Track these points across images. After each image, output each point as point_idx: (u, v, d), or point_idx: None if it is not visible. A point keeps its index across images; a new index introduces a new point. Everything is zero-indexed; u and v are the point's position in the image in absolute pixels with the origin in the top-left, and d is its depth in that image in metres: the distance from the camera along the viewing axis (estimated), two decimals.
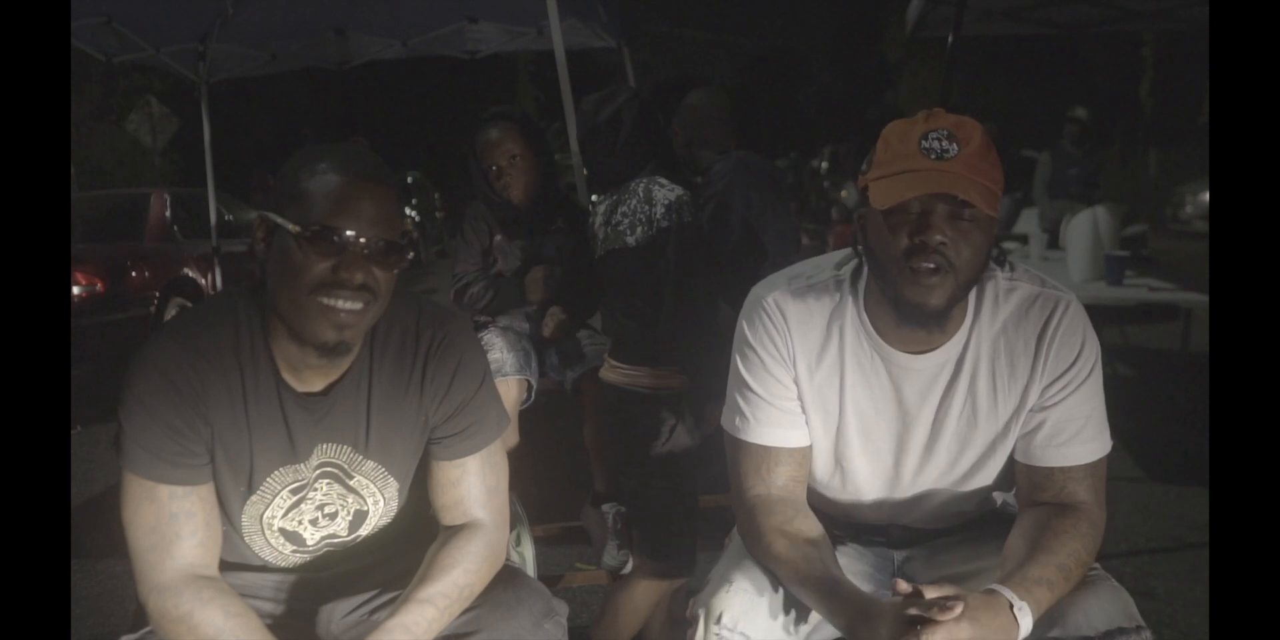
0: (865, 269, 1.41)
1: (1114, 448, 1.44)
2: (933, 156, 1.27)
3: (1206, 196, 11.76)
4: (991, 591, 1.23)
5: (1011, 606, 1.21)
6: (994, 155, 1.30)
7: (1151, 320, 5.46)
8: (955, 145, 1.27)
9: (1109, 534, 1.40)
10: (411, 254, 1.33)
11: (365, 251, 1.25)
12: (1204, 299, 3.93)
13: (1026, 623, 1.22)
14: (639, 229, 2.06)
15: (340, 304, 1.24)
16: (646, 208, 2.06)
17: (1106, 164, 7.72)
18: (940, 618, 1.16)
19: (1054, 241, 5.29)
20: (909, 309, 1.33)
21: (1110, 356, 5.57)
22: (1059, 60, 19.82)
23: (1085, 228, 4.41)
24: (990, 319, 1.41)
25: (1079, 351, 1.38)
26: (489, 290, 2.67)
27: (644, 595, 2.17)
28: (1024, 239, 5.73)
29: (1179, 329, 4.50)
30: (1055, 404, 1.39)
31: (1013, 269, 1.43)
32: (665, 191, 2.07)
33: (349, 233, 1.24)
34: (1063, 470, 1.39)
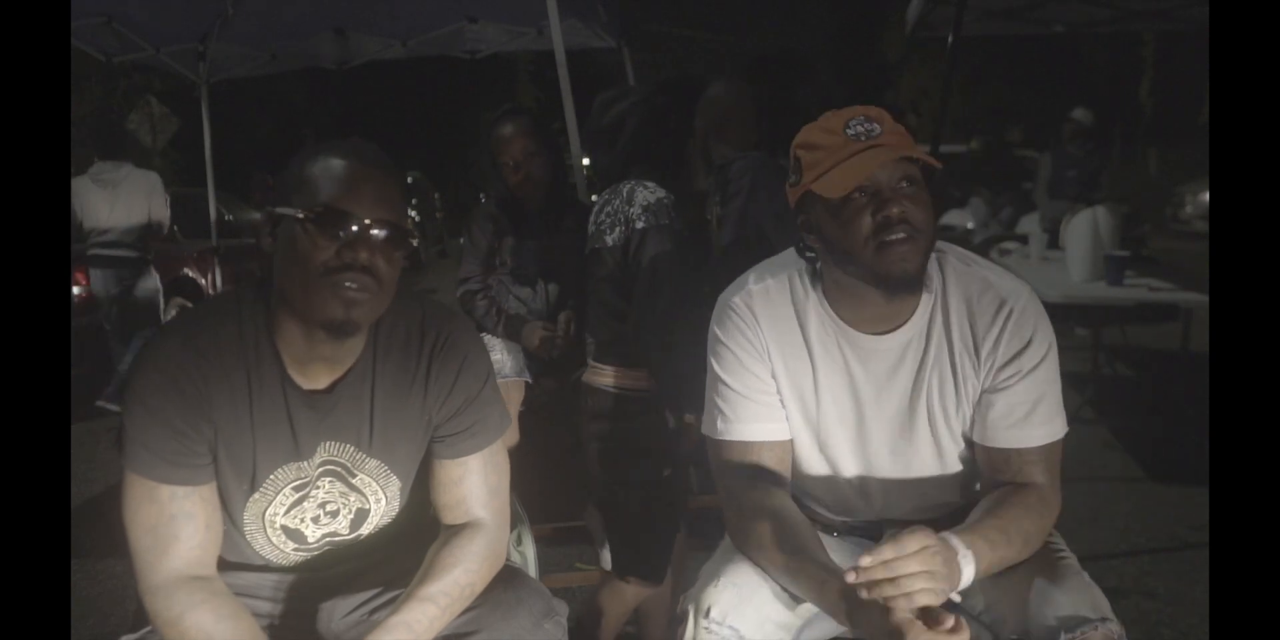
0: (819, 263, 1.47)
1: (1114, 448, 1.46)
2: (864, 138, 1.35)
3: (1206, 196, 11.76)
4: (941, 537, 1.27)
5: (956, 554, 1.26)
6: (904, 128, 1.39)
7: (1151, 320, 5.45)
8: (877, 125, 1.36)
9: (1109, 534, 1.42)
10: (416, 241, 1.34)
11: (369, 234, 1.26)
12: (1204, 299, 3.92)
13: (968, 570, 1.27)
14: (617, 229, 2.08)
15: (346, 283, 1.25)
16: (626, 208, 2.07)
17: (1107, 164, 7.70)
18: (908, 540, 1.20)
19: (1054, 241, 5.29)
20: (891, 282, 1.37)
21: (1110, 356, 5.54)
22: (1059, 60, 19.82)
23: (1085, 228, 4.40)
24: (945, 300, 1.45)
25: (1030, 339, 1.42)
26: (498, 320, 2.66)
27: (616, 598, 2.18)
28: (1024, 239, 5.73)
29: (1179, 329, 4.49)
30: (1007, 388, 1.43)
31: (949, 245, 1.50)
32: (646, 193, 2.08)
33: (353, 215, 1.25)
34: (1017, 452, 1.43)
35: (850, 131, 1.35)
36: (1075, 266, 4.42)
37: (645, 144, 2.16)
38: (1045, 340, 1.43)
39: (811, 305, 1.48)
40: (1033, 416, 1.42)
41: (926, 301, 1.45)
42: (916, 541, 1.20)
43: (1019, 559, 1.36)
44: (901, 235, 1.33)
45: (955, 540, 1.28)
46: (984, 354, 1.43)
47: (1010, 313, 1.42)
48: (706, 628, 1.37)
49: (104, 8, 4.48)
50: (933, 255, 1.45)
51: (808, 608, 1.39)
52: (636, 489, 2.12)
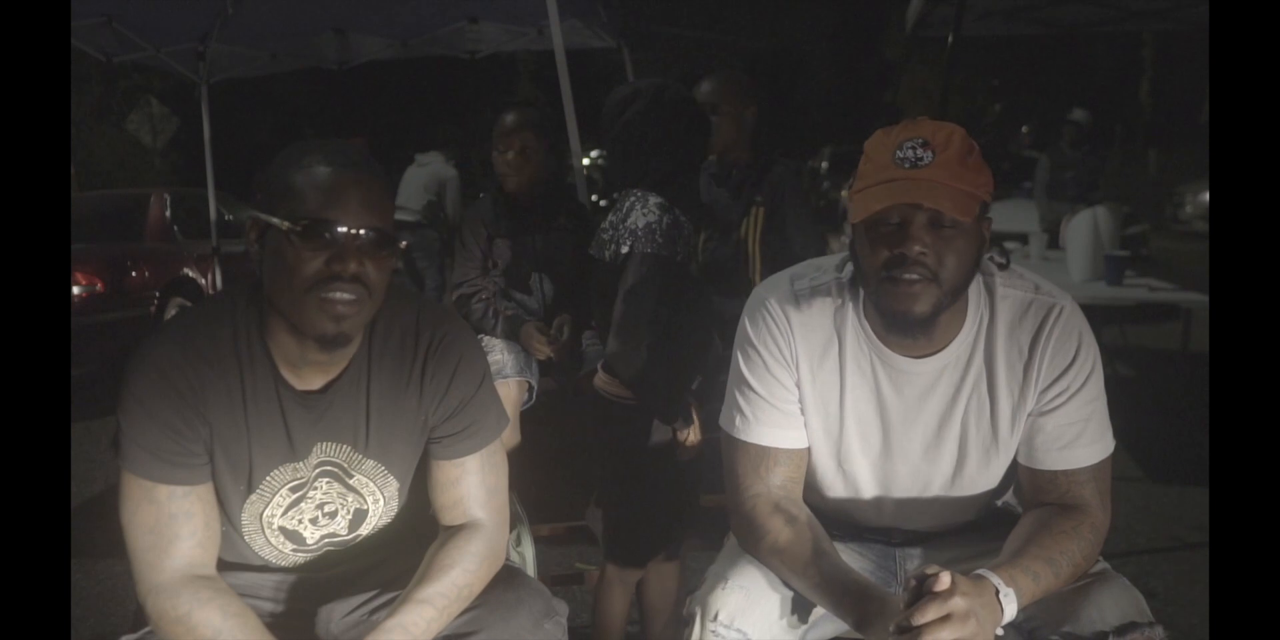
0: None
1: (1114, 448, 1.44)
2: (906, 165, 1.27)
3: (1206, 196, 11.75)
4: (978, 576, 1.24)
5: (997, 591, 1.23)
6: (976, 159, 1.30)
7: (1151, 320, 5.46)
8: (930, 152, 1.27)
9: (1109, 534, 1.41)
10: (404, 243, 1.33)
11: (356, 243, 1.25)
12: (1204, 299, 3.92)
13: (1011, 608, 1.23)
14: (613, 246, 2.05)
15: (336, 296, 1.24)
16: (621, 226, 2.04)
17: (1107, 164, 7.69)
18: (935, 588, 1.17)
19: (1054, 241, 5.29)
20: (893, 318, 1.34)
21: (1110, 356, 5.54)
22: (1059, 60, 19.84)
23: (1085, 228, 4.41)
24: (991, 325, 1.41)
25: (1074, 357, 1.38)
26: (495, 321, 2.67)
27: (609, 587, 2.19)
28: (1024, 239, 5.73)
29: (1179, 329, 4.50)
30: (1054, 409, 1.39)
31: (1003, 268, 1.43)
32: (640, 214, 2.02)
33: (339, 225, 1.24)
34: (1066, 473, 1.39)
35: (899, 154, 1.28)
36: (1075, 267, 4.42)
37: (660, 148, 2.10)
38: (1090, 355, 1.39)
39: (850, 320, 1.43)
40: (1083, 436, 1.39)
41: (970, 326, 1.40)
42: (935, 609, 1.15)
43: (1065, 586, 1.32)
44: (912, 276, 1.28)
45: (995, 578, 1.24)
46: (1031, 374, 1.39)
47: (1053, 329, 1.37)
48: (714, 631, 1.36)
49: (104, 8, 4.48)
50: (980, 278, 1.40)
51: (815, 610, 1.38)
52: (631, 489, 2.13)
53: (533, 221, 2.67)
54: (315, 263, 1.24)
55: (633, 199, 2.07)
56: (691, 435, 2.09)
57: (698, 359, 2.14)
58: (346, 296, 1.24)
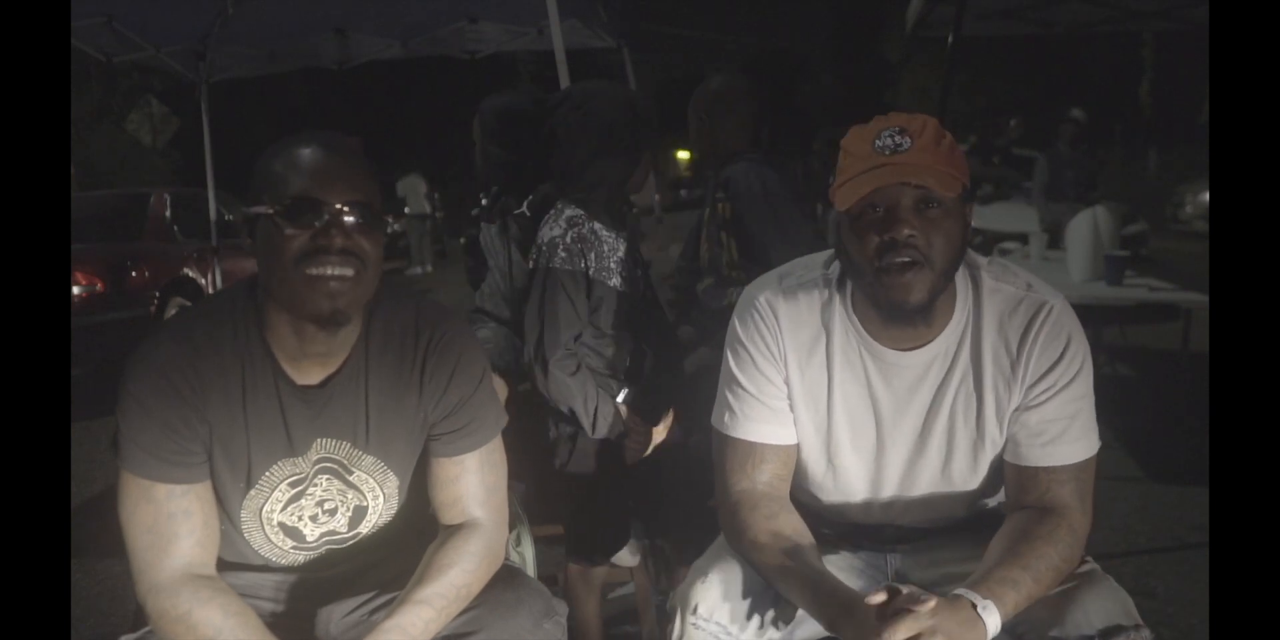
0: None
1: (1114, 448, 1.45)
2: (887, 152, 1.30)
3: (1206, 196, 11.75)
4: (955, 595, 1.24)
5: (975, 606, 1.23)
6: (949, 144, 1.33)
7: (1151, 320, 5.45)
8: (908, 139, 1.30)
9: (1109, 534, 1.41)
10: (392, 219, 1.34)
11: (342, 216, 1.25)
12: (1204, 299, 3.92)
13: (993, 621, 1.23)
14: (532, 258, 2.02)
15: (328, 271, 1.24)
16: (534, 238, 2.01)
17: (1106, 164, 7.69)
18: (914, 607, 1.17)
19: (1054, 241, 5.29)
20: (891, 307, 1.34)
21: (1110, 356, 5.53)
22: (1059, 60, 19.84)
23: (1085, 228, 4.41)
24: (978, 318, 1.41)
25: (1061, 354, 1.38)
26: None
27: (573, 586, 2.21)
28: (1024, 238, 5.74)
29: (1179, 329, 4.49)
30: (1039, 404, 1.39)
31: (989, 258, 1.44)
32: (548, 228, 1.98)
33: (322, 200, 1.25)
34: (1047, 470, 1.39)
35: (878, 142, 1.31)
36: (1075, 267, 4.42)
37: (575, 159, 2.01)
38: (1079, 353, 1.39)
39: (837, 314, 1.44)
40: (1067, 434, 1.39)
41: (958, 318, 1.41)
42: (906, 628, 1.16)
43: (1050, 590, 1.32)
44: (905, 259, 1.29)
45: (971, 594, 1.24)
46: (1018, 370, 1.39)
47: (1042, 326, 1.38)
48: (694, 624, 1.38)
49: (104, 8, 4.49)
50: (966, 271, 1.41)
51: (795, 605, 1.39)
52: (578, 489, 2.16)
53: (490, 212, 2.66)
54: (301, 239, 1.24)
55: (556, 208, 2.01)
56: (634, 437, 2.09)
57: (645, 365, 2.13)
58: (339, 271, 1.25)
